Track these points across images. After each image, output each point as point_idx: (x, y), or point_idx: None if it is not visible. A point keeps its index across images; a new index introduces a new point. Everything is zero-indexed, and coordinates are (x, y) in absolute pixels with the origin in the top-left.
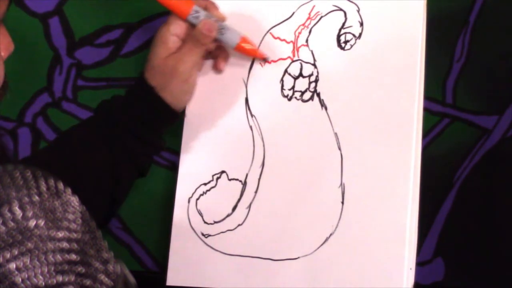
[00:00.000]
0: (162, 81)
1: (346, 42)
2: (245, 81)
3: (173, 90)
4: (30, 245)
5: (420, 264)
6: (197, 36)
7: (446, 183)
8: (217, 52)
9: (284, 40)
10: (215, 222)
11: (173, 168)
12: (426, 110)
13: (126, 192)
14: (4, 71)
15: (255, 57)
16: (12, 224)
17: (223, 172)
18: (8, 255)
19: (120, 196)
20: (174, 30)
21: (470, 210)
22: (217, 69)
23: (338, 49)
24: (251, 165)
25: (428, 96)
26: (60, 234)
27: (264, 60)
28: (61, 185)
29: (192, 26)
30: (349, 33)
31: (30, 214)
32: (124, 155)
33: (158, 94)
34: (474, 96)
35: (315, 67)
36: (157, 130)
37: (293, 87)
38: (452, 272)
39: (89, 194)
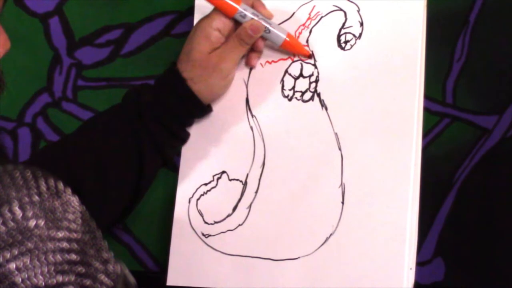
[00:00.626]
0: (201, 74)
1: (346, 42)
2: (246, 81)
3: (211, 84)
4: (30, 245)
5: (420, 264)
6: (242, 36)
7: (446, 183)
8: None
9: None
10: (216, 222)
11: (174, 168)
12: (426, 110)
13: (150, 182)
14: None
15: (300, 54)
16: (12, 224)
17: (223, 172)
18: (8, 255)
19: (143, 185)
20: (217, 25)
21: (470, 210)
22: (250, 64)
23: (339, 49)
24: (251, 165)
25: (428, 96)
26: (60, 234)
27: (309, 56)
28: (61, 185)
29: (236, 22)
30: (349, 33)
31: (30, 214)
32: (149, 145)
33: (190, 86)
34: (474, 96)
35: (316, 67)
36: (184, 122)
37: (293, 87)
38: (452, 272)
39: (113, 182)
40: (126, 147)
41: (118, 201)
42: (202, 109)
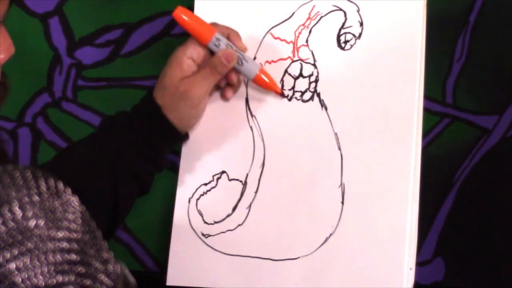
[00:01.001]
0: (171, 102)
1: (346, 42)
2: (246, 81)
3: (181, 113)
4: (30, 245)
5: (420, 264)
6: (215, 64)
7: (446, 183)
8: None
9: (284, 40)
10: (215, 222)
11: (174, 168)
12: (426, 110)
13: (127, 211)
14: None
15: (272, 90)
16: (12, 224)
17: (223, 172)
18: (8, 255)
19: (120, 215)
20: (191, 54)
21: (470, 210)
22: (224, 97)
23: (338, 49)
24: (251, 165)
25: (428, 96)
26: (60, 234)
27: (281, 95)
28: (61, 185)
29: (211, 52)
30: (349, 33)
31: (30, 214)
32: (126, 173)
33: (165, 114)
34: (474, 96)
35: (315, 67)
36: (161, 150)
37: (293, 87)
38: (452, 272)
39: (88, 210)
40: (101, 176)
41: None
42: (178, 137)
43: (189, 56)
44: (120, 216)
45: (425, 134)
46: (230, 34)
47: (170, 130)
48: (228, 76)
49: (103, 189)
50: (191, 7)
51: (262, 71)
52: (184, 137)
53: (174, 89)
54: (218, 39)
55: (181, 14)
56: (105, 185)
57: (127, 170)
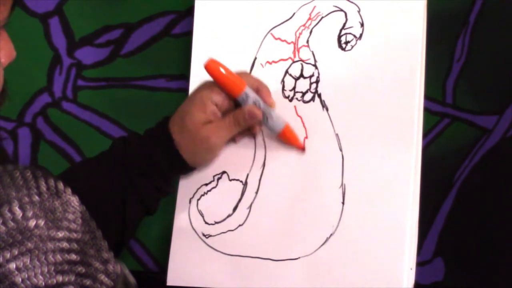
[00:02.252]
0: (189, 143)
1: (346, 42)
2: None
3: (196, 154)
4: (30, 245)
5: (420, 264)
6: (239, 118)
7: (446, 183)
8: None
9: (284, 40)
10: (216, 223)
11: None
12: (426, 110)
13: (133, 231)
14: (3, 78)
15: (295, 146)
16: (12, 224)
17: (224, 172)
18: (8, 255)
19: (126, 234)
20: (216, 100)
21: (470, 210)
22: (235, 139)
23: (339, 49)
24: (252, 166)
25: (428, 96)
26: (60, 234)
27: (303, 150)
28: (61, 185)
29: (236, 103)
30: (350, 33)
31: (30, 214)
32: (133, 196)
33: (178, 149)
34: (474, 96)
35: (316, 68)
36: (169, 178)
37: (294, 88)
38: (452, 272)
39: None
40: (110, 196)
41: None
42: (187, 169)
43: (214, 102)
44: (126, 237)
45: (425, 134)
46: (259, 88)
47: (181, 164)
48: (252, 128)
49: (111, 211)
50: (191, 7)
51: (287, 128)
52: (191, 169)
53: (194, 133)
54: (247, 94)
55: (213, 66)
56: (113, 207)
57: (135, 194)
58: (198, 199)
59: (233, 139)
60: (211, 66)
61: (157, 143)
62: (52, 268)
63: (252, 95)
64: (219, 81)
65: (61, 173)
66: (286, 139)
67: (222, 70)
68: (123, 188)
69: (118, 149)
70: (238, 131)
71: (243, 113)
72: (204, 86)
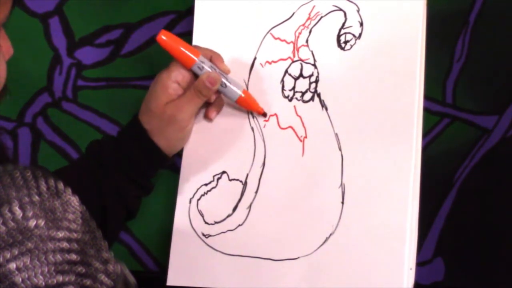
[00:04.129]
0: (158, 126)
1: (346, 42)
2: (246, 81)
3: (168, 136)
4: (30, 245)
5: (420, 264)
6: (199, 87)
7: (446, 183)
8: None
9: (284, 40)
10: (216, 223)
11: (175, 168)
12: (426, 110)
13: (115, 235)
14: (5, 72)
15: (255, 111)
16: (12, 224)
17: (223, 172)
18: (8, 255)
19: (109, 237)
20: (176, 77)
21: (470, 210)
22: (207, 117)
23: (338, 49)
24: (251, 166)
25: (428, 96)
26: (60, 234)
27: (264, 115)
28: (61, 185)
29: (195, 75)
30: (349, 33)
31: (30, 214)
32: (113, 197)
33: (151, 137)
34: (474, 96)
35: (316, 67)
36: (147, 173)
37: (293, 88)
38: (452, 272)
39: None
40: (89, 200)
41: None
42: (164, 160)
43: (173, 80)
44: (109, 239)
45: (425, 134)
46: (213, 56)
47: (157, 153)
48: (215, 100)
49: (91, 212)
50: (191, 7)
51: (245, 92)
52: (170, 160)
53: (160, 113)
54: (202, 62)
55: (164, 37)
56: (93, 208)
57: (114, 193)
58: (198, 199)
59: (208, 118)
60: (162, 38)
61: (130, 136)
62: (52, 268)
63: (207, 63)
64: (172, 52)
65: None
66: (246, 104)
67: (173, 41)
68: (101, 189)
69: (93, 151)
70: (202, 101)
71: (202, 80)
72: (163, 69)
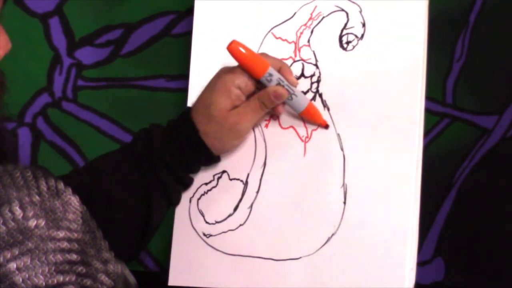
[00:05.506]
0: (216, 130)
1: (348, 42)
2: None
3: (224, 141)
4: (30, 245)
5: (420, 264)
6: (265, 99)
7: (446, 183)
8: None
9: (285, 40)
10: (217, 222)
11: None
12: (426, 110)
13: (158, 225)
14: None
15: (318, 124)
16: (12, 224)
17: (224, 172)
18: (8, 255)
19: (150, 229)
20: (239, 84)
21: (470, 210)
22: (277, 112)
23: (340, 49)
24: (252, 165)
25: (428, 96)
26: (61, 234)
27: (326, 127)
28: (61, 185)
29: (259, 82)
30: (351, 33)
31: (30, 214)
32: (157, 189)
33: (202, 138)
34: (474, 96)
35: (317, 67)
36: (193, 171)
37: None
38: (452, 272)
39: (120, 225)
40: (134, 188)
41: (125, 242)
42: (211, 160)
43: (237, 86)
44: (151, 229)
45: (425, 134)
46: (281, 68)
47: (207, 154)
48: (276, 108)
49: (136, 203)
50: (191, 7)
51: (311, 105)
52: (217, 159)
53: (222, 120)
54: (270, 74)
55: (237, 47)
56: (138, 199)
57: (159, 186)
58: (198, 199)
59: (276, 112)
60: (234, 48)
61: (182, 134)
62: (53, 268)
63: (275, 75)
64: (243, 62)
65: (82, 166)
66: (310, 116)
67: (244, 50)
68: (147, 180)
69: (141, 141)
70: (264, 113)
71: (268, 93)
72: (224, 71)
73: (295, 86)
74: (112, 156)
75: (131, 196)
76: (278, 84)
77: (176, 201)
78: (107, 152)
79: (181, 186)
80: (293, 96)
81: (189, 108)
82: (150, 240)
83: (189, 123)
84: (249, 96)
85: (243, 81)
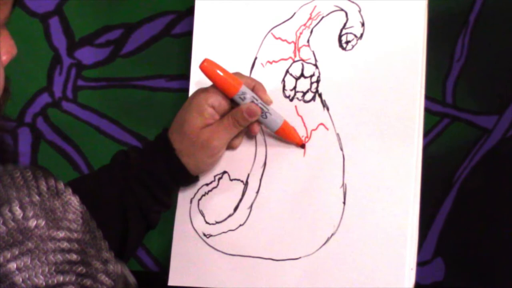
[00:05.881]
0: (189, 149)
1: (347, 42)
2: None
3: (198, 160)
4: (30, 245)
5: (420, 264)
6: (238, 117)
7: (446, 183)
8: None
9: (285, 40)
10: (217, 222)
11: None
12: (426, 110)
13: (136, 247)
14: (4, 76)
15: (294, 142)
16: (12, 224)
17: (224, 172)
18: (8, 255)
19: (128, 251)
20: (213, 102)
21: (470, 210)
22: (233, 146)
23: (340, 49)
24: (252, 166)
25: (428, 96)
26: (61, 234)
27: (302, 146)
28: (61, 185)
29: (233, 102)
30: (351, 33)
31: (30, 214)
32: (135, 210)
33: (179, 157)
34: (474, 96)
35: (317, 67)
36: (171, 191)
37: (294, 88)
38: (452, 272)
39: None
40: (111, 209)
41: None
42: (188, 179)
43: (211, 105)
44: (128, 252)
45: (425, 134)
46: (255, 86)
47: (183, 173)
48: (250, 127)
49: (112, 224)
50: (191, 7)
51: (285, 124)
52: (195, 179)
53: (194, 137)
54: (243, 92)
55: (209, 66)
56: (115, 220)
57: (136, 207)
58: (199, 199)
59: (232, 146)
60: (206, 67)
61: (158, 153)
62: (53, 268)
63: (249, 93)
64: (215, 81)
65: None
66: (285, 135)
67: (217, 70)
68: (125, 201)
69: (119, 162)
70: (238, 131)
71: (241, 111)
72: (199, 91)
73: (269, 105)
74: (90, 178)
75: (108, 219)
76: (252, 102)
77: (154, 223)
78: (85, 174)
79: (160, 207)
80: (268, 115)
81: (166, 128)
82: (129, 259)
83: (165, 142)
84: (223, 116)
85: (216, 100)
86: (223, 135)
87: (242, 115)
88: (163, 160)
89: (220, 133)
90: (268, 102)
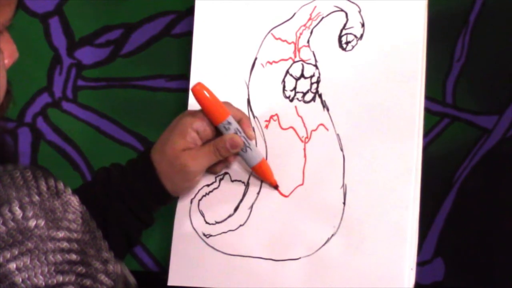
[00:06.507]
0: (167, 170)
1: (347, 43)
2: (247, 82)
3: (174, 182)
4: (30, 245)
5: (420, 264)
6: (219, 146)
7: (446, 183)
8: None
9: (285, 40)
10: (217, 223)
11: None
12: (426, 110)
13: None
14: (5, 80)
15: (267, 181)
16: (12, 224)
17: (226, 173)
18: (8, 255)
19: None
20: (198, 127)
21: (470, 210)
22: (213, 171)
23: (340, 50)
24: None
25: (428, 96)
26: (60, 234)
27: (275, 187)
28: (61, 185)
29: (217, 130)
30: (351, 34)
31: (30, 214)
32: (116, 227)
33: (159, 177)
34: (474, 96)
35: (317, 68)
36: (151, 209)
37: (294, 88)
38: (452, 272)
39: None
40: None
41: None
42: (168, 198)
43: (195, 129)
44: None
45: (425, 134)
46: (242, 120)
47: (163, 193)
48: (227, 157)
49: None
50: (191, 7)
51: (263, 162)
52: (176, 199)
53: (173, 159)
54: (229, 123)
55: (201, 90)
56: None
57: (116, 225)
58: (200, 200)
59: (213, 172)
60: (198, 90)
61: (139, 172)
62: (52, 268)
63: (234, 124)
64: (204, 105)
65: None
66: (261, 173)
67: (208, 95)
68: (104, 219)
69: (101, 179)
70: (217, 159)
71: (224, 140)
72: (187, 113)
73: (251, 140)
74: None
75: None
76: (236, 134)
77: (135, 241)
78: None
79: (140, 224)
80: (248, 149)
81: (150, 147)
82: None
83: (146, 160)
84: (205, 142)
85: (201, 126)
86: (202, 161)
87: (225, 145)
88: (143, 180)
89: (199, 159)
90: (251, 137)
